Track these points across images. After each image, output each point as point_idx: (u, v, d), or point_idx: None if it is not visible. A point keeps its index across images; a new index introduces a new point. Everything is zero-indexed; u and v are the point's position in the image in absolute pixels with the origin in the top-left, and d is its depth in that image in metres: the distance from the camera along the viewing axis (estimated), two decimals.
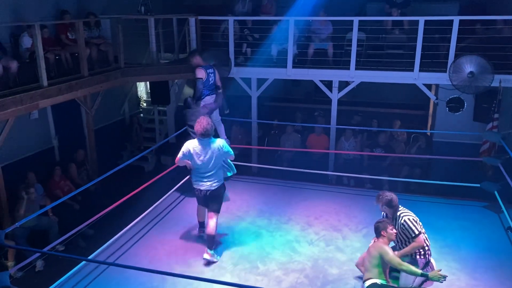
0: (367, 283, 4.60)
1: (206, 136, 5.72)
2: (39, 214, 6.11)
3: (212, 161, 5.75)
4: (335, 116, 9.21)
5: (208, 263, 5.80)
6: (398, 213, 4.97)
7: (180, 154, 5.80)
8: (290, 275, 5.56)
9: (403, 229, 4.90)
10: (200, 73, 7.28)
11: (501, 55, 7.88)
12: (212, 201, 5.93)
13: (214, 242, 5.94)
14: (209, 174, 5.81)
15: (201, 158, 5.74)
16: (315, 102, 11.44)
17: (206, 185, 5.85)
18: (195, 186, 5.96)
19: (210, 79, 7.43)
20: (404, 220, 4.88)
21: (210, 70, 7.45)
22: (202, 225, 6.48)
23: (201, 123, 5.71)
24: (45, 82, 7.08)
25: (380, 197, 5.05)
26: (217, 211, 5.96)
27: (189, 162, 5.82)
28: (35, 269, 6.92)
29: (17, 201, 6.93)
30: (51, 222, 7.23)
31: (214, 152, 5.75)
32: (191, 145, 5.80)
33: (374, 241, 4.92)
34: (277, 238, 6.39)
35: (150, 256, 5.96)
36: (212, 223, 5.86)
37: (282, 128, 10.28)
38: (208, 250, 5.84)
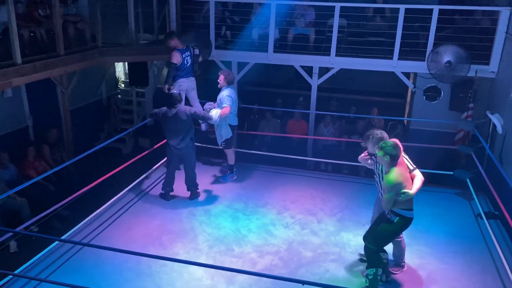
0: None
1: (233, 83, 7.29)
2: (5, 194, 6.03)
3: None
4: (314, 102, 9.23)
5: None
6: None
7: (229, 103, 6.96)
8: (265, 257, 5.62)
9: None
10: (175, 58, 7.23)
11: (478, 45, 7.98)
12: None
13: None
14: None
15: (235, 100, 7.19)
16: (296, 88, 11.43)
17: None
18: (235, 124, 7.34)
19: (186, 62, 7.39)
20: None
21: (187, 54, 7.37)
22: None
23: (231, 74, 7.21)
24: (19, 59, 6.86)
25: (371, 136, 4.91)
26: None
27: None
28: (9, 249, 6.84)
29: None
30: (20, 202, 7.12)
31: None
32: (229, 92, 7.05)
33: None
34: (253, 221, 6.44)
35: (126, 238, 5.93)
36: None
37: (262, 113, 10.27)
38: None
